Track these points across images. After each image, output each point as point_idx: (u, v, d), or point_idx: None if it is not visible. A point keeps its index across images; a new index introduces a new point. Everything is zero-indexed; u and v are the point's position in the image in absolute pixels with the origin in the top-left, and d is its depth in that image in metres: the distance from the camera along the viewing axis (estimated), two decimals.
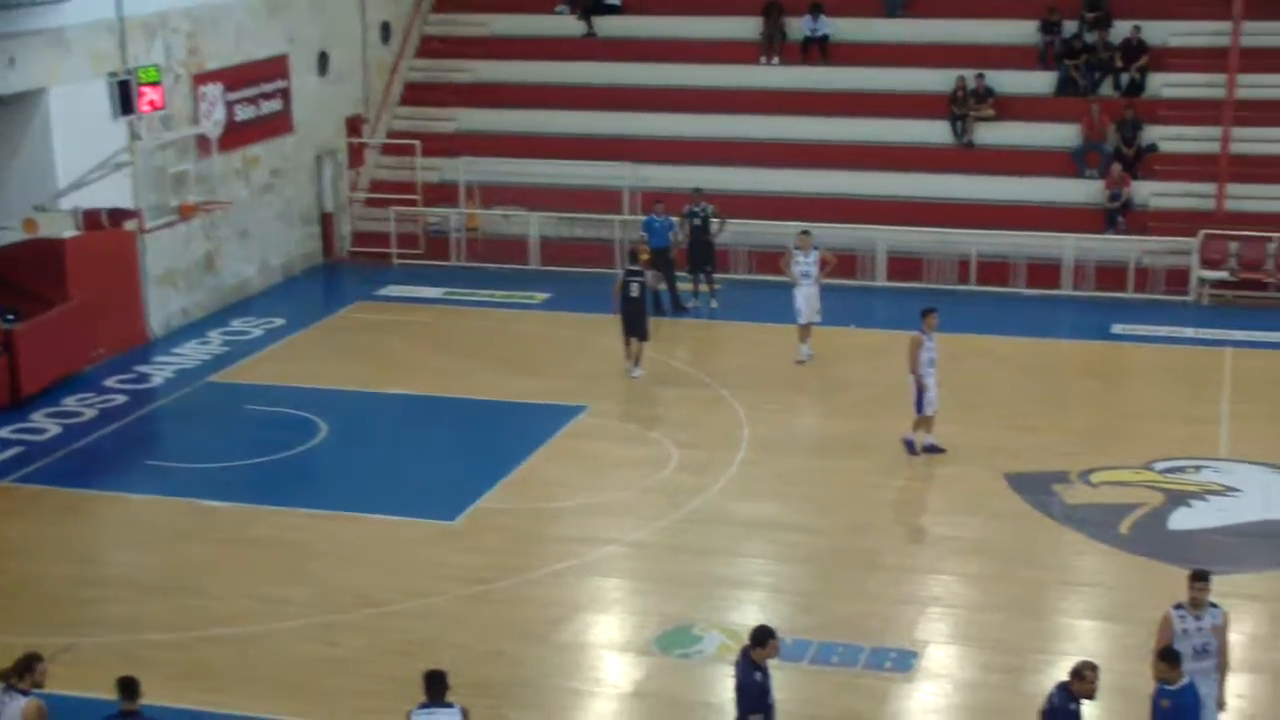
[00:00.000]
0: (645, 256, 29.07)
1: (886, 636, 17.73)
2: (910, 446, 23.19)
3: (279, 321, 30.58)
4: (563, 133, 36.69)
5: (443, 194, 36.02)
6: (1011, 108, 35.27)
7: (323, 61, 35.08)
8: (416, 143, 36.19)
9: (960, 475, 22.54)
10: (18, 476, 23.02)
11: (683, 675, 17.06)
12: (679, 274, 31.13)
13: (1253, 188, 32.85)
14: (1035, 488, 21.95)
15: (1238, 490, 21.81)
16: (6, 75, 25.67)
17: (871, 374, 26.68)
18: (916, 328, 22.85)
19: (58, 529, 21.25)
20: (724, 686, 15.05)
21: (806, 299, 27.43)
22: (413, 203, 35.64)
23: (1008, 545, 20.24)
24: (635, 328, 27.08)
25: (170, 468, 23.42)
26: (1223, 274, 31.51)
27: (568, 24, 39.11)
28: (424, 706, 13.18)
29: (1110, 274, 31.92)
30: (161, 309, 29.95)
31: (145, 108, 25.90)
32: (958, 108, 35.08)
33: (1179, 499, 21.47)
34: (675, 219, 31.05)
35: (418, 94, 38.65)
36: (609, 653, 17.65)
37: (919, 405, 22.95)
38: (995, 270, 32.37)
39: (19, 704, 13.07)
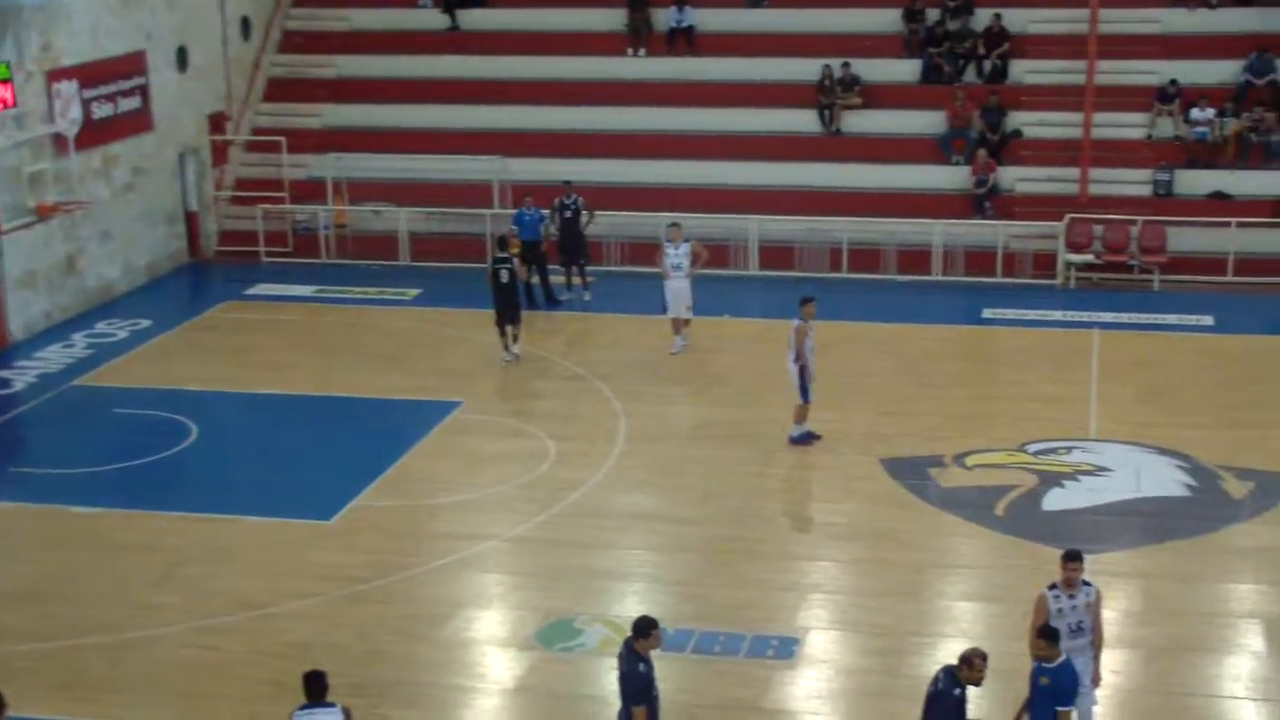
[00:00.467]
0: (516, 248, 28.93)
1: (768, 624, 17.75)
2: (808, 438, 23.20)
3: (145, 323, 30.06)
4: (430, 127, 36.47)
5: (310, 191, 35.64)
6: (878, 96, 35.53)
7: (182, 57, 34.50)
8: (282, 139, 35.79)
9: (836, 462, 22.64)
10: None
11: (566, 669, 16.97)
12: (551, 267, 30.99)
13: (1115, 172, 33.37)
14: (911, 472, 22.10)
15: (1108, 470, 22.10)
16: None
17: (746, 363, 26.75)
18: (794, 316, 22.86)
19: None
20: (608, 679, 14.98)
21: (675, 293, 27.35)
22: (280, 200, 35.24)
23: (885, 530, 20.36)
24: (509, 312, 27.23)
25: (35, 474, 22.92)
26: (1088, 257, 31.97)
27: (431, 17, 38.85)
28: (304, 708, 12.99)
29: (979, 259, 32.28)
30: (22, 312, 29.32)
31: None
32: (825, 97, 35.27)
33: (1052, 480, 21.71)
34: (545, 212, 30.91)
35: (281, 90, 38.20)
36: (491, 648, 17.53)
37: (804, 394, 22.96)
38: (866, 257, 32.60)
39: None
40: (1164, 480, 21.73)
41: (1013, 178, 33.85)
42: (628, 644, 13.67)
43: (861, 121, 35.36)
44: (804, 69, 35.75)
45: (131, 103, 32.38)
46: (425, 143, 35.79)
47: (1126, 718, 15.72)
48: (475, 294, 28.35)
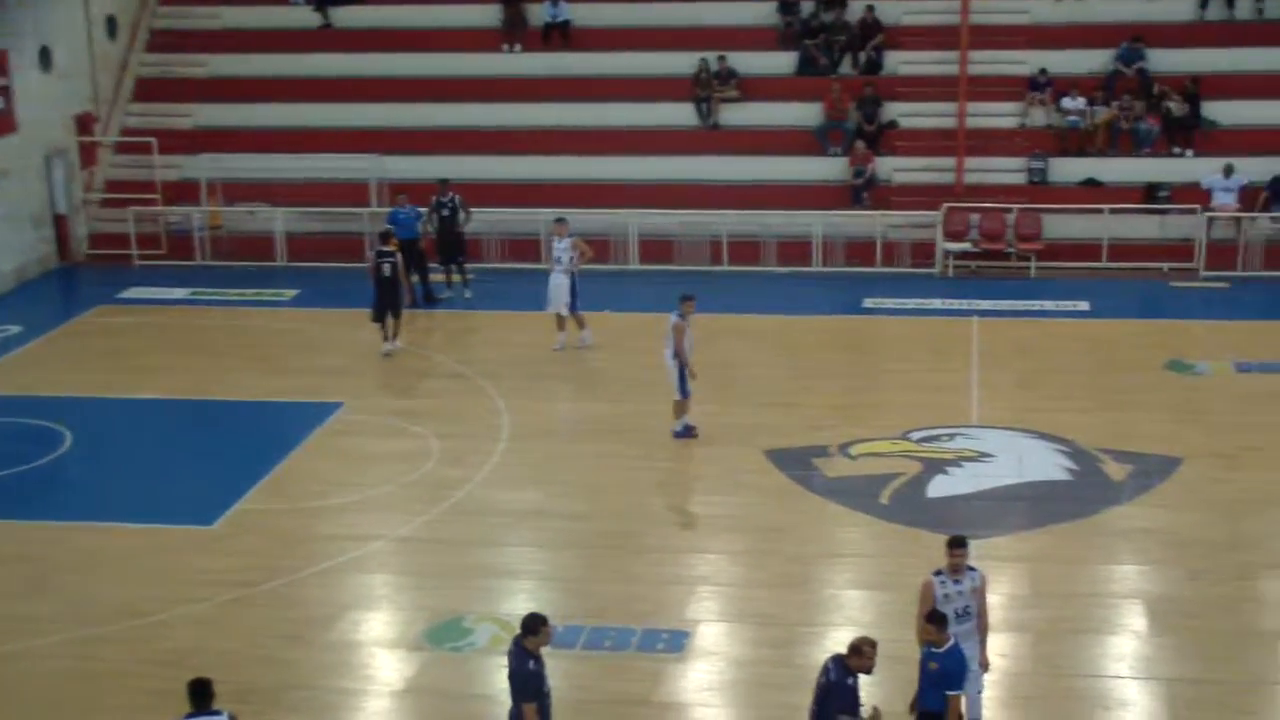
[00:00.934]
0: (393, 246, 28.67)
1: (657, 618, 17.70)
2: (688, 432, 23.18)
3: (14, 329, 29.46)
4: (304, 126, 36.14)
5: (183, 192, 35.20)
6: (754, 88, 35.65)
7: (45, 57, 33.89)
8: (152, 140, 35.29)
9: (721, 454, 22.65)
10: None
11: (455, 668, 16.83)
12: (430, 265, 30.75)
13: (989, 161, 33.72)
14: (795, 463, 22.16)
15: (990, 456, 22.28)
16: None
17: (628, 357, 26.70)
18: (674, 312, 22.81)
19: None
20: (498, 677, 14.86)
21: (553, 288, 27.32)
22: (152, 202, 34.74)
23: (771, 521, 20.39)
24: (390, 304, 27.21)
25: None
26: (965, 245, 32.27)
27: (303, 15, 38.47)
28: (191, 716, 12.78)
29: (858, 249, 32.51)
30: None
31: None
32: (701, 90, 35.33)
33: (936, 467, 21.86)
34: (422, 210, 30.63)
35: (151, 90, 37.65)
36: (379, 650, 17.34)
37: (683, 389, 22.94)
38: (746, 250, 32.70)
39: None
40: (1045, 465, 21.95)
41: (890, 168, 34.11)
42: (517, 642, 13.58)
43: (738, 114, 35.45)
44: (680, 62, 35.79)
45: None
46: (300, 142, 35.42)
47: (1014, 700, 15.84)
48: (354, 293, 28.09)
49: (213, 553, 19.76)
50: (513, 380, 25.89)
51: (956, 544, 14.53)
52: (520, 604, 17.60)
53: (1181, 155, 33.52)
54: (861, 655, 13.14)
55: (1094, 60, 35.11)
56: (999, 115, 34.54)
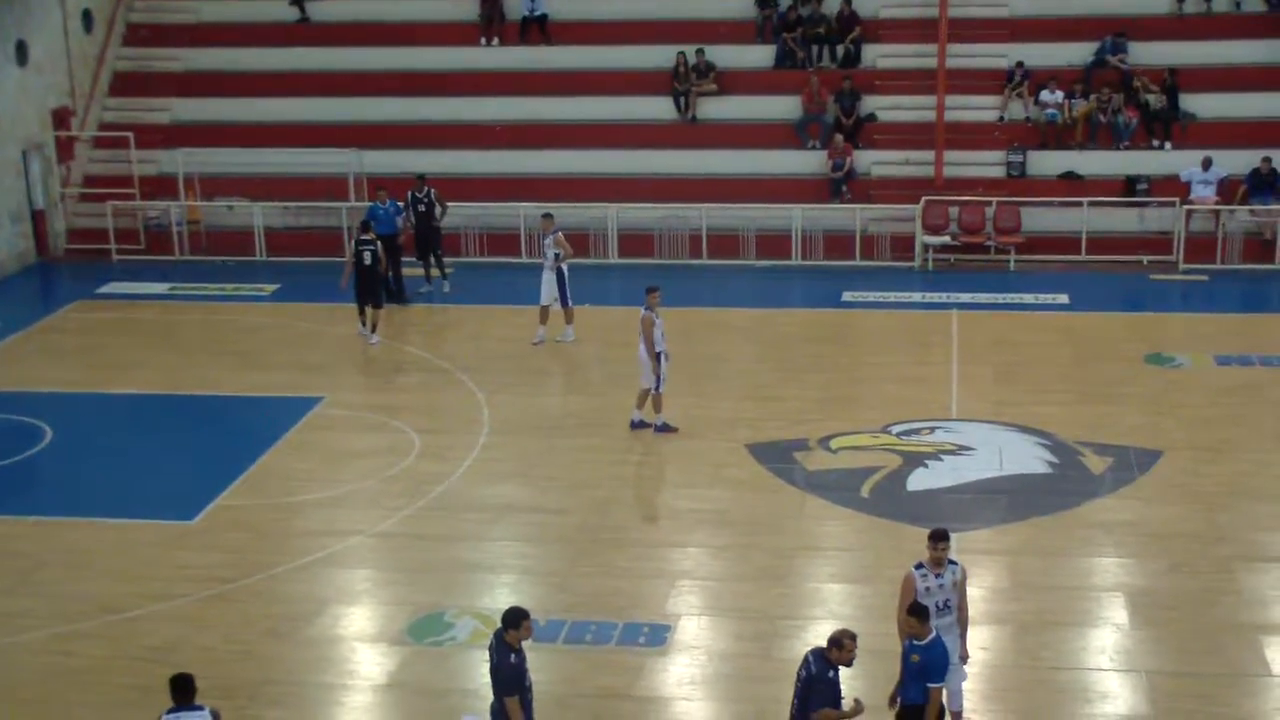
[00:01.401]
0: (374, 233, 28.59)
1: (639, 612, 17.70)
2: (641, 424, 23.15)
3: None
4: (283, 120, 36.04)
5: (161, 186, 35.14)
6: (733, 82, 35.65)
7: (21, 51, 33.77)
8: (130, 135, 35.17)
9: (702, 448, 22.64)
10: None
11: (437, 663, 16.81)
12: (407, 259, 30.65)
13: (968, 154, 33.76)
14: (776, 457, 22.17)
15: (970, 449, 22.32)
16: None
17: (608, 351, 26.71)
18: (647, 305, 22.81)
19: None
20: (480, 672, 14.88)
21: (544, 283, 27.34)
22: (130, 197, 34.65)
23: (752, 515, 20.39)
24: (370, 294, 27.32)
25: None
26: (945, 238, 32.32)
27: (280, 9, 38.33)
28: (172, 711, 12.75)
29: (837, 243, 32.54)
30: None
31: None
32: (680, 84, 35.32)
33: (916, 460, 21.88)
34: (402, 204, 30.55)
35: (127, 84, 37.52)
36: (360, 645, 17.30)
37: (658, 383, 22.94)
38: (725, 243, 32.72)
39: None
40: (1025, 458, 21.98)
41: (868, 161, 34.14)
42: (498, 636, 13.57)
43: (717, 108, 35.45)
44: (658, 56, 35.78)
45: None
46: (278, 136, 35.32)
47: (996, 692, 15.87)
48: (333, 288, 28.02)
49: (193, 548, 19.71)
50: (493, 374, 25.86)
51: (938, 537, 14.54)
52: (501, 598, 17.62)
53: (1160, 148, 33.59)
54: (842, 648, 13.15)
55: (1072, 53, 35.15)
56: (978, 109, 34.58)
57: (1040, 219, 32.64)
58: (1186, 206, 31.85)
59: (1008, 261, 32.22)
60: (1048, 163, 33.69)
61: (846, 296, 30.31)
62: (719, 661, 16.75)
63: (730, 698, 16.10)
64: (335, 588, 18.66)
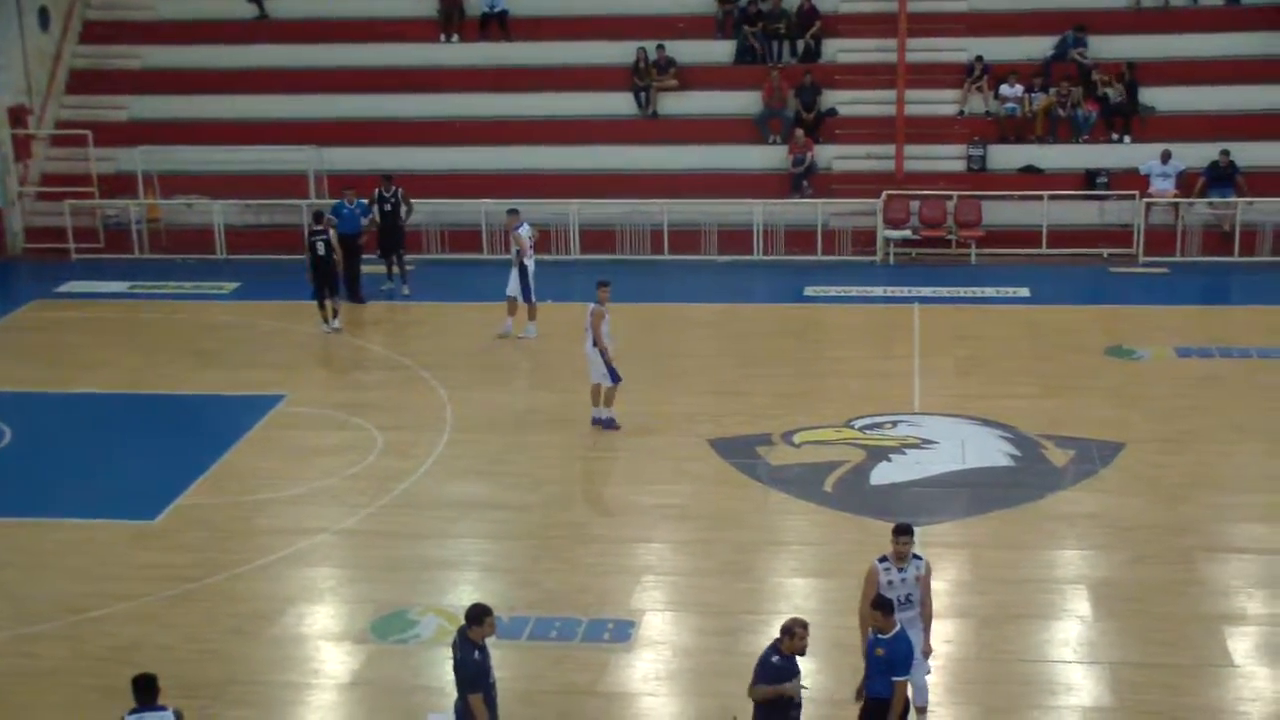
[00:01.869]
0: (327, 222, 28.37)
1: (603, 608, 17.67)
2: (611, 423, 23.16)
3: None
4: (241, 118, 35.91)
5: (120, 184, 34.96)
6: (693, 77, 35.65)
7: None
8: (88, 133, 34.97)
9: (665, 444, 22.62)
10: None
11: (401, 660, 16.76)
12: (368, 257, 30.52)
13: (929, 148, 33.84)
14: (739, 451, 22.17)
15: (933, 442, 22.35)
16: None
17: (570, 347, 26.49)
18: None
19: None
20: (444, 669, 14.82)
21: (510, 276, 27.36)
22: (89, 195, 34.49)
23: (716, 509, 20.39)
24: (328, 284, 27.45)
25: None
26: (906, 233, 32.39)
27: (238, 6, 38.15)
28: (135, 712, 12.67)
29: (799, 237, 32.60)
30: None
31: None
32: (640, 79, 35.31)
33: (879, 454, 21.91)
34: (366, 202, 30.36)
35: (85, 82, 37.32)
36: (324, 643, 17.23)
37: (613, 375, 22.93)
38: (687, 239, 32.73)
39: None
40: (988, 451, 22.03)
41: (829, 156, 34.18)
42: (461, 632, 13.53)
43: (678, 103, 35.45)
44: (618, 52, 35.79)
45: None
46: (237, 134, 35.19)
47: (960, 685, 15.89)
48: (295, 286, 27.93)
49: (155, 548, 19.61)
50: (455, 371, 25.81)
51: (902, 531, 14.55)
52: (465, 595, 17.52)
53: (1120, 142, 33.74)
54: (793, 636, 13.14)
55: (1031, 47, 35.28)
56: (938, 103, 34.68)
57: (1001, 212, 32.74)
58: (1146, 199, 32.00)
59: (969, 255, 32.33)
60: (1008, 156, 33.79)
61: (808, 291, 30.34)
62: (683, 657, 16.73)
63: (695, 693, 16.08)
64: (298, 586, 18.58)
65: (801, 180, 33.42)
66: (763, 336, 27.87)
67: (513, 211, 27.92)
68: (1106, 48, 35.00)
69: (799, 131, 33.77)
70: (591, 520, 20.34)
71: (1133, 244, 32.08)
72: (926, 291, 29.97)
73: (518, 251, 27.22)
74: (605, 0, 37.03)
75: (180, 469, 21.96)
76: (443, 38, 37.05)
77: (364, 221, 30.13)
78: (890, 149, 33.50)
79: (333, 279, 27.72)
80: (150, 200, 34.40)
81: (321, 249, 27.40)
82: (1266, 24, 34.99)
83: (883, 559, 14.56)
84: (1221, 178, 32.13)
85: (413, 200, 30.82)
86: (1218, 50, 34.83)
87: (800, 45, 35.83)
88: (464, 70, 36.38)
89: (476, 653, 13.41)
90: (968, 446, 22.20)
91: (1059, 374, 25.27)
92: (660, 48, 35.34)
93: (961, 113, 34.60)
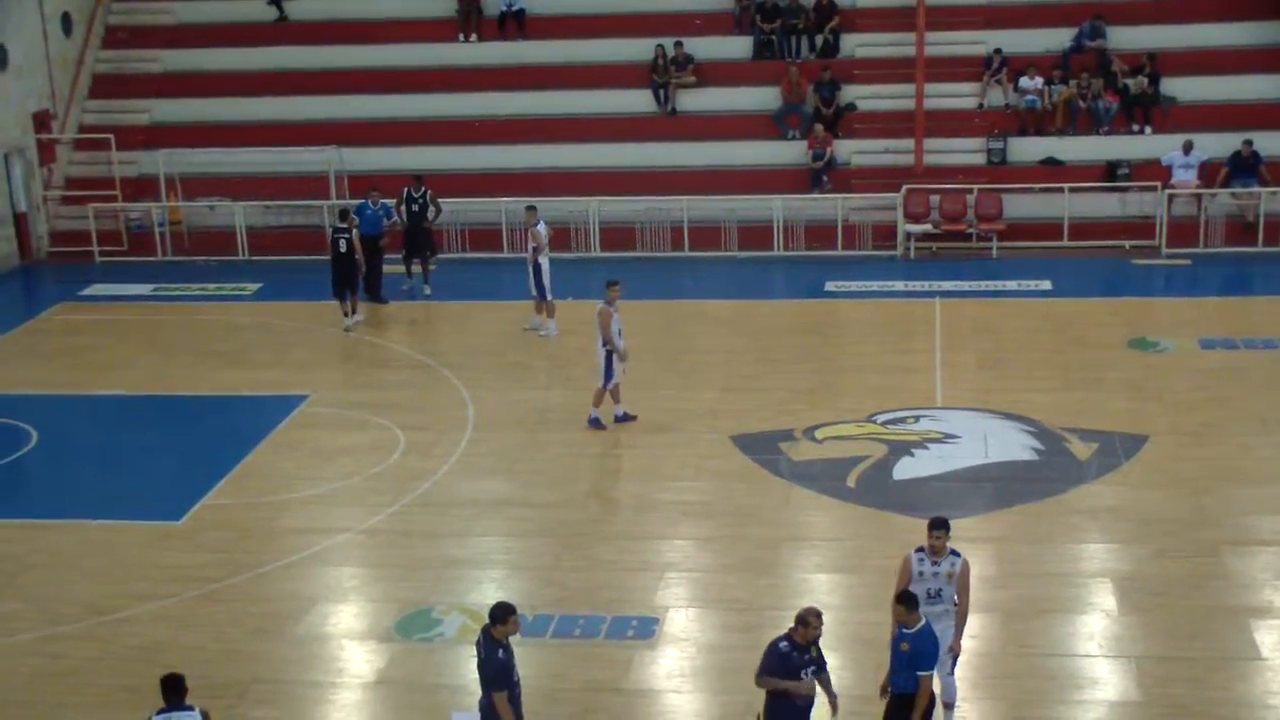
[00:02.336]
0: (351, 220, 28.49)
1: (627, 605, 17.69)
2: (597, 423, 23.14)
3: None
4: (263, 120, 36.02)
5: (142, 188, 35.14)
6: (712, 74, 35.66)
7: (1, 55, 33.67)
8: (110, 136, 35.12)
9: (687, 440, 22.63)
10: None
11: (425, 659, 16.79)
12: (391, 257, 30.55)
13: (949, 141, 33.81)
14: (762, 447, 22.16)
15: (956, 437, 22.31)
16: None
17: (590, 345, 26.55)
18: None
19: None
20: (468, 668, 14.86)
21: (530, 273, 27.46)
22: (112, 198, 34.61)
23: (738, 506, 20.38)
24: (347, 281, 27.69)
25: None
26: (926, 227, 32.34)
27: (258, 8, 38.28)
28: (162, 712, 12.71)
29: (819, 233, 32.58)
30: None
31: None
32: (659, 76, 35.33)
33: (901, 449, 21.89)
34: (391, 203, 30.33)
35: (107, 86, 37.48)
36: (349, 642, 17.27)
37: (607, 378, 22.89)
38: (707, 235, 32.73)
39: None
40: (1011, 445, 21.99)
41: (849, 151, 34.16)
42: (485, 631, 13.55)
43: (696, 100, 35.46)
44: (636, 49, 35.81)
45: None
46: (258, 136, 35.32)
47: (985, 680, 15.86)
48: (316, 286, 27.99)
49: (180, 548, 19.67)
50: (477, 370, 25.85)
51: (938, 525, 14.43)
52: (489, 594, 17.56)
53: (1141, 133, 33.66)
54: (807, 626, 13.12)
55: (1050, 39, 35.19)
56: (957, 96, 34.62)
57: (1021, 205, 32.69)
58: (1168, 191, 31.91)
59: (990, 249, 32.27)
60: (1028, 149, 33.74)
61: (829, 286, 30.34)
62: (707, 653, 16.74)
63: (719, 689, 16.08)
64: (322, 585, 18.63)
65: (821, 175, 33.41)
66: (783, 332, 27.86)
67: (531, 208, 27.95)
68: (1127, 38, 34.92)
69: (818, 126, 33.77)
70: (614, 517, 20.35)
71: (1155, 236, 32.00)
72: (948, 285, 29.94)
73: (534, 249, 27.24)
74: None
75: (204, 470, 22.03)
76: (461, 37, 37.11)
77: (386, 224, 30.14)
78: (910, 143, 33.47)
79: (352, 277, 27.84)
80: (172, 203, 34.51)
81: (343, 246, 27.67)
82: None
83: (919, 550, 14.51)
84: (1244, 168, 32.03)
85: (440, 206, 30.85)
86: (1239, 39, 34.73)
87: (818, 40, 35.80)
88: (482, 69, 36.45)
89: (500, 651, 13.43)
90: (990, 440, 22.16)
91: (1081, 367, 25.22)
92: (678, 44, 35.35)
93: (981, 106, 34.55)
